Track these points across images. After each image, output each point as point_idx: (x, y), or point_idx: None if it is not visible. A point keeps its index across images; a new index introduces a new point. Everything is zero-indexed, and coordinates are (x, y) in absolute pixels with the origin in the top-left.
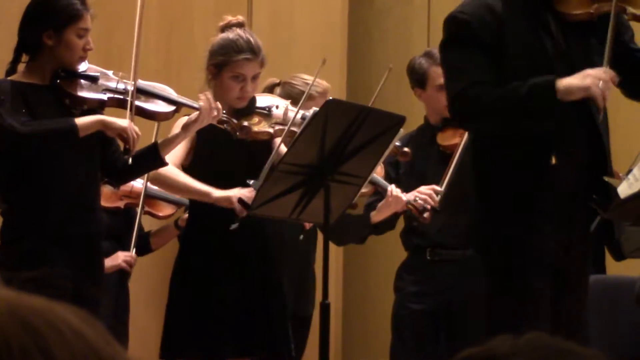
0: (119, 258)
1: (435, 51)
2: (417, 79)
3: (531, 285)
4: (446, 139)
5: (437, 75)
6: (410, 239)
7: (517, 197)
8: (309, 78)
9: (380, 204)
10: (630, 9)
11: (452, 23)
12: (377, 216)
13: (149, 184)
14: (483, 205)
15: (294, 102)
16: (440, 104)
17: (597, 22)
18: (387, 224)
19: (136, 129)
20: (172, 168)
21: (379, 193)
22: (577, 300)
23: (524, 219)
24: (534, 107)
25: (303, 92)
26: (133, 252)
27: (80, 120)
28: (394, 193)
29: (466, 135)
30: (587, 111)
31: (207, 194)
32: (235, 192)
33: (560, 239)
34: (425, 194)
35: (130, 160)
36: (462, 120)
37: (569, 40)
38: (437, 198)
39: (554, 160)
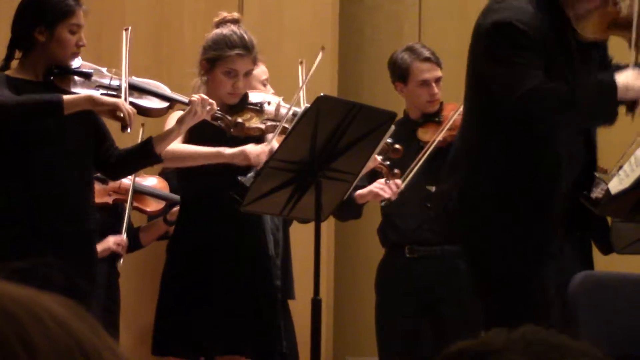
0: (109, 241)
1: (418, 46)
2: (399, 73)
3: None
4: (427, 134)
5: (420, 70)
6: (388, 235)
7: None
8: None
9: None
10: None
11: (512, 30)
12: (359, 195)
13: (137, 178)
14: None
15: None
16: (422, 99)
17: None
18: (352, 212)
19: (129, 105)
20: (175, 143)
21: None
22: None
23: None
24: (597, 107)
25: None
26: (124, 235)
27: (68, 96)
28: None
29: (443, 130)
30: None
31: (219, 154)
32: (249, 147)
33: (561, 242)
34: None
35: (129, 131)
36: (537, 117)
37: (580, 63)
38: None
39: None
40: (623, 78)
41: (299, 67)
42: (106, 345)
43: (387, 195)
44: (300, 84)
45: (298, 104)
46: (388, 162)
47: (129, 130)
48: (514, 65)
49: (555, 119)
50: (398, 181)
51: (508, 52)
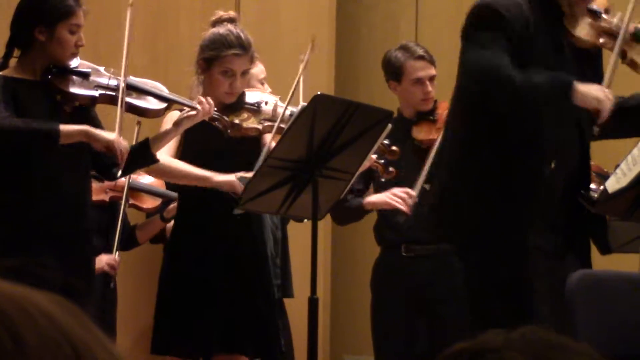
0: (102, 261)
1: (411, 44)
2: (393, 72)
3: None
4: (421, 132)
5: (414, 69)
6: (384, 234)
7: (512, 200)
8: None
9: None
10: (632, 54)
11: (485, 9)
12: (370, 202)
13: (133, 176)
14: (474, 204)
15: None
16: (416, 98)
17: (593, 56)
18: (356, 218)
19: (124, 142)
20: (167, 157)
21: None
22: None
23: (520, 219)
24: (548, 99)
25: None
26: (116, 255)
27: (65, 127)
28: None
29: (442, 132)
30: (578, 120)
31: (208, 179)
32: (235, 178)
33: (556, 240)
34: (399, 196)
35: (119, 174)
36: (489, 95)
37: (575, 63)
38: (411, 200)
39: (552, 165)
40: (586, 86)
41: (300, 66)
42: (98, 341)
43: (404, 209)
44: (295, 82)
45: (295, 104)
46: (383, 160)
47: (119, 172)
48: (481, 43)
49: (505, 101)
50: (411, 192)
51: (479, 30)
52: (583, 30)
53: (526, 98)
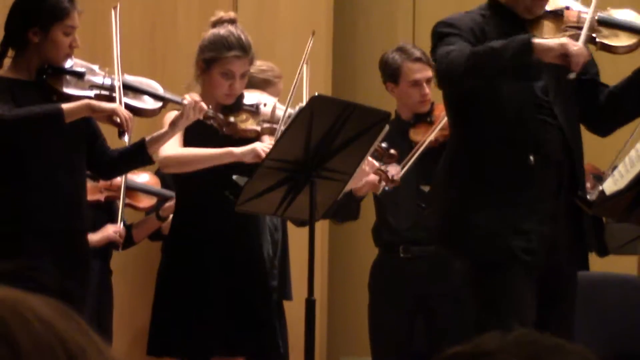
0: (109, 229)
1: (409, 46)
2: (390, 73)
3: (512, 282)
4: (419, 134)
5: (411, 70)
6: (382, 235)
7: (496, 195)
8: (260, 64)
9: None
10: (600, 38)
11: (439, 25)
12: (357, 188)
13: (128, 175)
14: (460, 203)
15: (255, 87)
16: (413, 100)
17: None
18: (349, 213)
19: (126, 111)
20: (180, 148)
21: None
22: (568, 307)
23: (503, 216)
24: (509, 61)
25: (264, 79)
26: (121, 225)
27: (67, 105)
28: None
29: (435, 130)
30: (552, 110)
31: (229, 153)
32: (257, 145)
33: (543, 238)
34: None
35: (127, 139)
36: (445, 80)
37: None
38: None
39: (532, 160)
40: (546, 39)
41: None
42: (93, 344)
43: (383, 183)
44: (295, 82)
45: (294, 105)
46: (384, 145)
47: (126, 137)
48: (438, 54)
49: (461, 80)
50: (396, 167)
51: (439, 44)
52: (548, 30)
53: (486, 64)
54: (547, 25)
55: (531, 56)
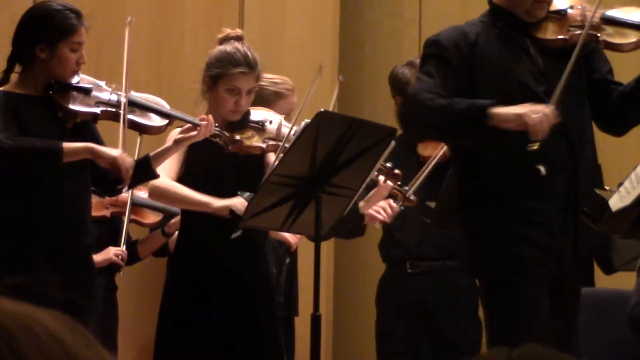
0: (110, 252)
1: (418, 61)
2: (400, 87)
3: (527, 295)
4: (427, 149)
5: None
6: (389, 251)
7: (507, 207)
8: (273, 77)
9: (370, 194)
10: (604, 37)
11: (426, 44)
12: (366, 207)
13: (134, 191)
14: (471, 216)
15: (265, 103)
16: None
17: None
18: (356, 230)
19: (128, 159)
20: (167, 180)
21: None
22: (570, 317)
23: (515, 229)
24: (466, 127)
25: (274, 91)
26: (123, 247)
27: (68, 145)
28: (383, 181)
29: (443, 147)
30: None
31: (206, 204)
32: (235, 201)
33: (552, 250)
34: (380, 206)
35: (125, 189)
36: (404, 123)
37: (547, 63)
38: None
39: (543, 171)
40: (506, 109)
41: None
42: (100, 358)
43: (381, 218)
44: (301, 105)
45: (299, 123)
46: (389, 164)
47: (125, 187)
48: (427, 72)
49: (419, 129)
50: (393, 203)
51: (426, 63)
52: (551, 31)
53: (445, 126)
54: (551, 26)
55: (485, 125)
